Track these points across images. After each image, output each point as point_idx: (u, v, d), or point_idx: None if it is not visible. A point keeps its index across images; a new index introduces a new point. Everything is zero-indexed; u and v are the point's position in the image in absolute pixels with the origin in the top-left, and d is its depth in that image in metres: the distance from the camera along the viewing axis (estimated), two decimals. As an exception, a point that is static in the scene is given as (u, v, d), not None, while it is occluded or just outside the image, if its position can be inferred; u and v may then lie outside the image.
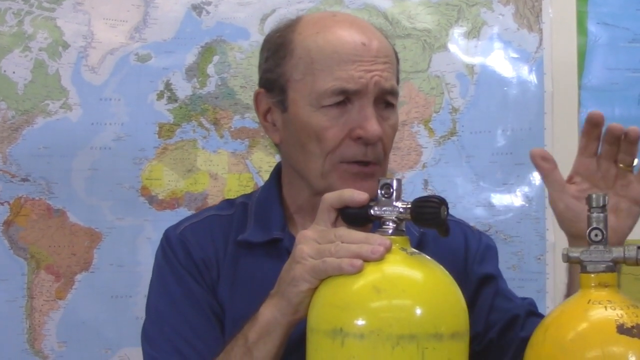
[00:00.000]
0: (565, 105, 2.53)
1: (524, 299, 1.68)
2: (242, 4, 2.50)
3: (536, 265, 2.49)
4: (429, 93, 2.51)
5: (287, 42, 1.54)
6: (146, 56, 2.46)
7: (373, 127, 1.49)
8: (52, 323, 2.38)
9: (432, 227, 1.23)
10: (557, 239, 2.47)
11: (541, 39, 2.54)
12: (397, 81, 1.59)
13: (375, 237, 1.19)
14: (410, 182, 2.49)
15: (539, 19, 2.53)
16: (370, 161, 1.53)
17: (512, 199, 2.52)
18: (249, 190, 2.34)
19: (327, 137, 1.50)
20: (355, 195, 1.25)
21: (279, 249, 1.58)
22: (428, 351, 1.12)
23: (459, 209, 2.45)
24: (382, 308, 1.13)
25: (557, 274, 2.45)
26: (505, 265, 2.45)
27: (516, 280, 2.44)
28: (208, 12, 2.48)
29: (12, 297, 2.36)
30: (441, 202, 1.20)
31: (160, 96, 2.46)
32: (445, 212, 1.20)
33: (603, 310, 1.17)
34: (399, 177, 2.39)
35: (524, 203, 2.51)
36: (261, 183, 2.41)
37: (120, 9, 2.45)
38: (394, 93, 1.54)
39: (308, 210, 1.58)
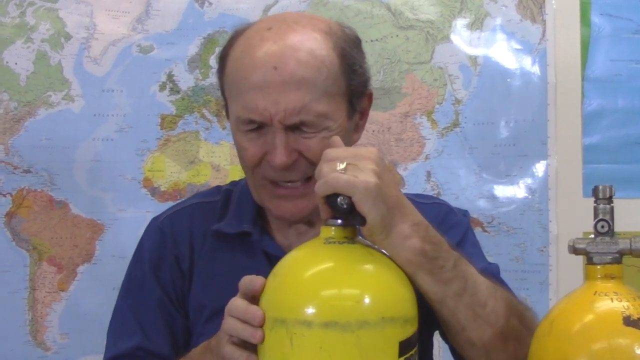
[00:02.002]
0: (568, 97, 2.53)
1: (490, 264, 1.63)
2: (244, -6, 2.50)
3: (539, 257, 2.50)
4: (431, 84, 2.51)
5: (225, 56, 1.51)
6: (148, 47, 2.47)
7: (277, 158, 1.44)
8: (55, 315, 2.39)
9: (347, 218, 1.22)
10: (560, 230, 2.48)
11: (544, 30, 2.54)
12: (351, 90, 1.50)
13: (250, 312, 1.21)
14: (413, 174, 2.50)
15: (542, 10, 2.53)
16: (294, 180, 1.50)
17: (515, 190, 2.52)
18: (251, 182, 2.40)
19: (247, 157, 1.48)
20: (250, 283, 1.24)
21: (249, 242, 1.58)
22: (296, 337, 1.12)
23: (462, 201, 2.47)
24: (269, 292, 1.18)
25: (560, 265, 2.47)
26: (508, 257, 2.48)
27: (519, 272, 2.47)
28: (210, 4, 2.49)
29: (15, 289, 2.37)
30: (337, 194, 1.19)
31: (162, 87, 2.47)
32: (345, 202, 1.19)
33: (609, 302, 1.16)
34: (401, 168, 2.42)
35: (527, 195, 2.52)
36: (263, 175, 2.45)
37: (123, 0, 2.47)
38: (308, 124, 1.45)
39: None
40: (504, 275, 2.30)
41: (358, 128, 1.56)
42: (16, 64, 2.38)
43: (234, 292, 1.38)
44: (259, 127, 1.45)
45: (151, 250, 1.64)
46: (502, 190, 2.53)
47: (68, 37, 2.41)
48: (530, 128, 2.52)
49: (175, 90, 2.47)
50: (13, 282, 2.37)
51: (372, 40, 2.51)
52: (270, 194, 1.51)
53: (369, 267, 1.19)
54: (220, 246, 1.60)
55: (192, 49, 2.48)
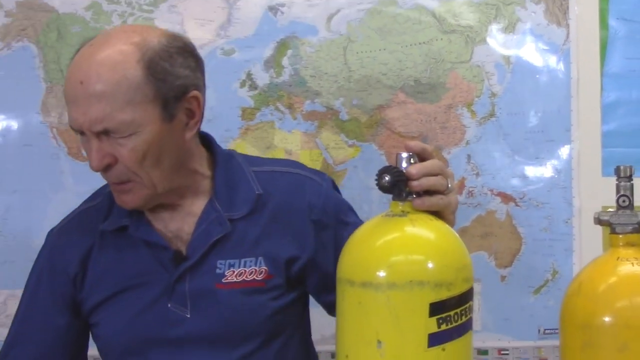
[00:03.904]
0: (589, 90, 2.62)
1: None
2: (311, 5, 2.57)
3: (564, 228, 2.61)
4: (471, 80, 2.61)
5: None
6: (230, 51, 2.55)
7: (91, 162, 1.48)
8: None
9: (389, 193, 1.27)
10: (582, 205, 2.60)
11: (568, 33, 2.62)
12: (161, 97, 1.49)
13: None
14: (456, 157, 2.59)
15: (566, 15, 2.61)
16: (115, 182, 1.53)
17: (543, 170, 2.62)
18: (318, 165, 2.50)
19: (89, 160, 1.51)
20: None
21: (129, 236, 1.59)
22: (345, 293, 1.22)
23: (497, 180, 2.59)
24: None
25: (582, 235, 2.59)
26: (538, 227, 2.59)
27: (547, 240, 2.59)
28: (282, 13, 2.56)
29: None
30: (381, 172, 1.24)
31: (242, 84, 2.55)
32: (386, 179, 1.24)
33: (630, 266, 1.21)
34: (445, 152, 2.55)
35: (553, 174, 2.62)
36: (329, 158, 2.55)
37: (208, 10, 2.54)
38: (113, 131, 1.46)
39: None
40: (535, 244, 2.51)
41: (189, 127, 1.57)
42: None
43: (120, 285, 1.53)
44: (82, 133, 1.49)
45: (42, 262, 1.68)
46: (532, 171, 2.62)
47: (162, 42, 2.49)
48: (556, 117, 2.61)
49: (253, 86, 2.54)
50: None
51: (419, 43, 2.57)
52: (112, 187, 1.56)
53: (405, 236, 1.23)
54: (107, 244, 1.62)
55: (267, 52, 2.55)
